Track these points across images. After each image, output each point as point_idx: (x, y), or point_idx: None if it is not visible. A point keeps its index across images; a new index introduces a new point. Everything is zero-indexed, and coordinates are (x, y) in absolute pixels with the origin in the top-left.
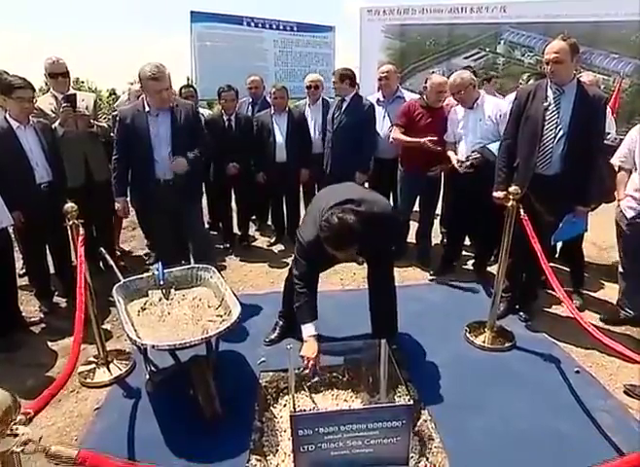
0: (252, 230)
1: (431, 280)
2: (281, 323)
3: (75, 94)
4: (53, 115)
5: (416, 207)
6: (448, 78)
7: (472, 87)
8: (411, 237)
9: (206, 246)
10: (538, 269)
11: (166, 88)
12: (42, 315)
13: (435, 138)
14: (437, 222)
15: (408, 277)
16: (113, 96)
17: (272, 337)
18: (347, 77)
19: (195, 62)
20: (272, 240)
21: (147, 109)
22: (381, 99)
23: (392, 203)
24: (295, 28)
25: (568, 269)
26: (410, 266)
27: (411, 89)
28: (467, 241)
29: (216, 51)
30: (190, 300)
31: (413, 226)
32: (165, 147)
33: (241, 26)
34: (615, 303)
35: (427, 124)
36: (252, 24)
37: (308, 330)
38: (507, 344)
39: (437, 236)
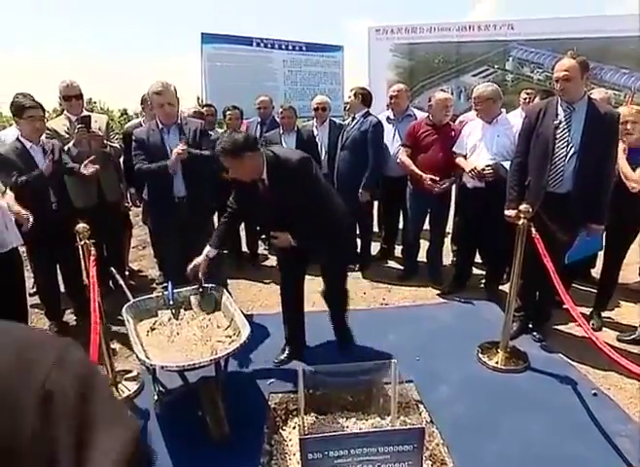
0: (261, 248)
1: (442, 299)
2: (289, 346)
3: (89, 116)
4: (67, 136)
5: (427, 226)
6: (473, 91)
7: (494, 101)
8: (422, 256)
9: (217, 265)
10: (551, 287)
11: (169, 102)
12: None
13: (436, 178)
14: (448, 240)
15: (420, 296)
16: (124, 116)
17: (282, 357)
18: (363, 95)
19: (206, 82)
20: None
21: (160, 126)
22: (391, 117)
23: (402, 221)
24: (304, 48)
25: (584, 288)
26: (422, 285)
27: (420, 107)
28: (479, 259)
29: (226, 71)
30: (199, 320)
31: (424, 244)
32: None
33: (250, 47)
34: (633, 323)
35: (433, 141)
36: (261, 45)
37: (208, 250)
38: (521, 365)
39: (448, 255)
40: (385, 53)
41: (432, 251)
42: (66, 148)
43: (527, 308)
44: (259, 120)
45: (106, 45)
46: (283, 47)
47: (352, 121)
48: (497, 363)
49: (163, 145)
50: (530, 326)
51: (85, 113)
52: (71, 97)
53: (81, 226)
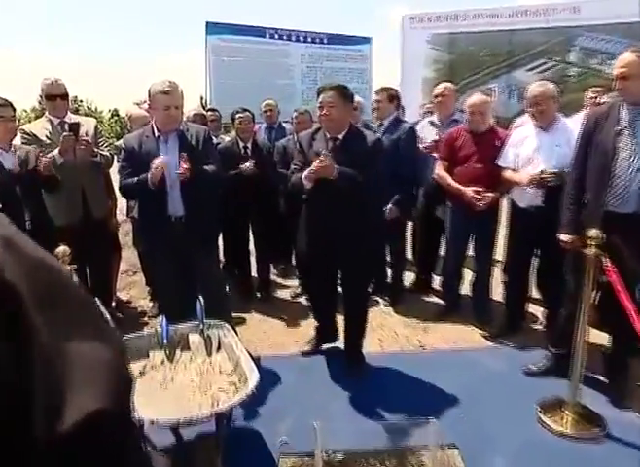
0: (273, 275)
1: (490, 342)
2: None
3: (79, 123)
4: (48, 141)
5: (470, 252)
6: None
7: (553, 101)
8: (466, 289)
9: (221, 298)
10: (631, 332)
11: (176, 106)
12: None
13: (480, 189)
14: (497, 270)
15: (463, 339)
16: (116, 118)
17: (308, 348)
18: (396, 98)
19: (210, 80)
20: (298, 290)
21: (156, 133)
22: (436, 122)
23: (445, 247)
24: (325, 40)
25: None
26: (466, 324)
27: (462, 110)
28: (536, 294)
29: (234, 67)
30: (198, 363)
31: (468, 274)
32: (175, 177)
33: (263, 39)
34: None
35: (472, 152)
36: (276, 36)
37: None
38: (594, 431)
39: (497, 288)
40: (421, 45)
41: (477, 283)
42: (48, 156)
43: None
44: (265, 125)
45: (93, 38)
46: (301, 39)
47: (379, 127)
48: (563, 427)
49: (157, 156)
50: (606, 381)
51: (73, 118)
52: (55, 97)
53: (61, 249)
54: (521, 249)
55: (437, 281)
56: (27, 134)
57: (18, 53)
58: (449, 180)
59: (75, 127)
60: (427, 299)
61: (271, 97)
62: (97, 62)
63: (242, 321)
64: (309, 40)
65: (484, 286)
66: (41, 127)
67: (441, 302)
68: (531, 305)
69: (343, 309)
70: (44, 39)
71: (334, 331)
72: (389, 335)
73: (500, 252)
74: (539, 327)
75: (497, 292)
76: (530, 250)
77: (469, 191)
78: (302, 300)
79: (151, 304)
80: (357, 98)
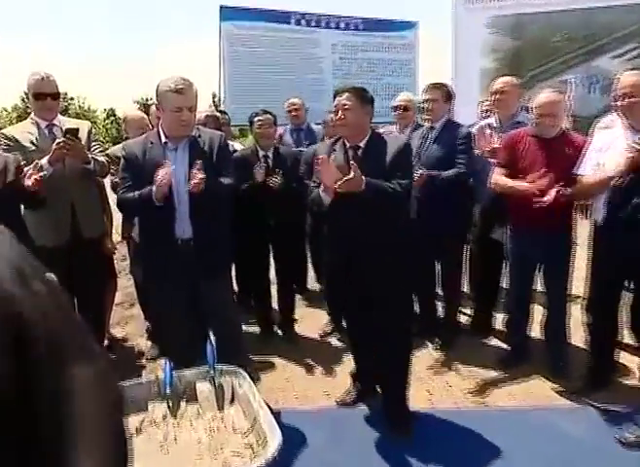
0: (298, 307)
1: (570, 401)
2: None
3: (77, 129)
4: (33, 148)
5: (539, 286)
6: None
7: None
8: (536, 331)
9: (235, 337)
10: None
11: (189, 107)
12: None
13: (546, 176)
14: (577, 307)
15: (533, 395)
16: (112, 119)
17: (347, 399)
18: (447, 94)
19: (224, 74)
20: (328, 329)
21: (163, 140)
22: (495, 125)
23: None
24: (361, 26)
25: None
26: (536, 375)
27: (527, 110)
28: (629, 339)
29: (252, 58)
30: (207, 419)
31: (539, 312)
32: (183, 193)
33: (287, 25)
34: None
35: (539, 160)
36: (302, 22)
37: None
38: None
39: (578, 330)
40: (479, 30)
41: (551, 324)
42: (36, 165)
43: None
44: (291, 127)
45: (82, 26)
46: (333, 25)
47: (429, 132)
48: None
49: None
50: None
51: (62, 121)
52: (45, 96)
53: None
54: (608, 281)
55: (499, 320)
56: (8, 139)
57: None
58: (510, 182)
59: (74, 132)
60: (487, 342)
61: (297, 95)
62: (88, 53)
63: (261, 366)
64: (342, 26)
65: (560, 328)
66: (25, 131)
67: (505, 346)
68: (622, 352)
69: (379, 350)
70: (20, 21)
71: (376, 380)
72: (440, 387)
73: (579, 284)
74: (634, 382)
75: (577, 335)
76: (620, 282)
77: (532, 185)
78: (334, 340)
79: (150, 343)
80: (407, 95)
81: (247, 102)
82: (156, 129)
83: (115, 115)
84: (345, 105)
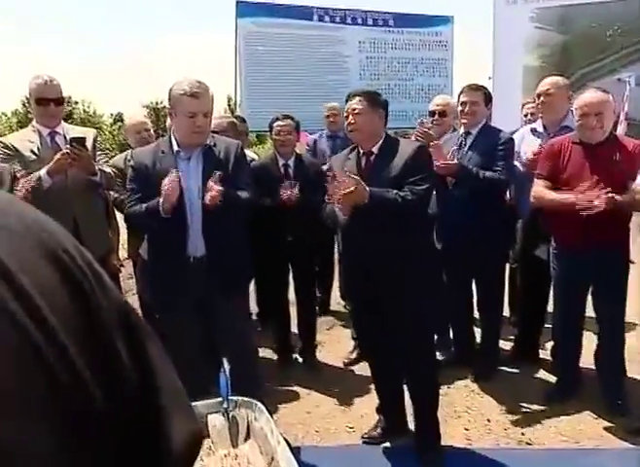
0: (319, 330)
1: (629, 443)
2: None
3: (85, 138)
4: (33, 157)
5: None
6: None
7: None
8: (589, 362)
9: (250, 366)
10: None
11: (205, 113)
12: None
13: (597, 186)
14: (634, 335)
15: (585, 434)
16: (118, 124)
17: (374, 433)
18: (491, 99)
19: (241, 75)
20: (353, 355)
21: (175, 148)
22: (540, 130)
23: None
24: (391, 21)
25: None
26: (589, 412)
27: None
28: None
29: (271, 58)
30: (220, 456)
31: (589, 340)
32: (197, 207)
33: (310, 22)
34: None
35: (580, 171)
36: (326, 19)
37: None
38: None
39: (634, 360)
40: (523, 24)
41: (604, 354)
42: (32, 177)
43: None
44: (327, 133)
45: (81, 23)
46: (360, 20)
47: (465, 137)
48: None
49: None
50: None
51: (66, 128)
52: (48, 101)
53: None
54: None
55: (546, 348)
56: (7, 148)
57: None
58: (552, 195)
59: (81, 143)
60: (532, 373)
61: (324, 97)
62: (88, 53)
63: (279, 397)
64: (370, 22)
65: (615, 358)
66: (25, 140)
67: (552, 378)
68: None
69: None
70: (23, 19)
71: (404, 416)
72: (479, 422)
73: (638, 311)
74: None
75: (634, 367)
76: None
77: (582, 196)
78: (355, 368)
79: None
80: (445, 99)
81: (266, 106)
82: (167, 137)
83: (122, 120)
84: (355, 109)
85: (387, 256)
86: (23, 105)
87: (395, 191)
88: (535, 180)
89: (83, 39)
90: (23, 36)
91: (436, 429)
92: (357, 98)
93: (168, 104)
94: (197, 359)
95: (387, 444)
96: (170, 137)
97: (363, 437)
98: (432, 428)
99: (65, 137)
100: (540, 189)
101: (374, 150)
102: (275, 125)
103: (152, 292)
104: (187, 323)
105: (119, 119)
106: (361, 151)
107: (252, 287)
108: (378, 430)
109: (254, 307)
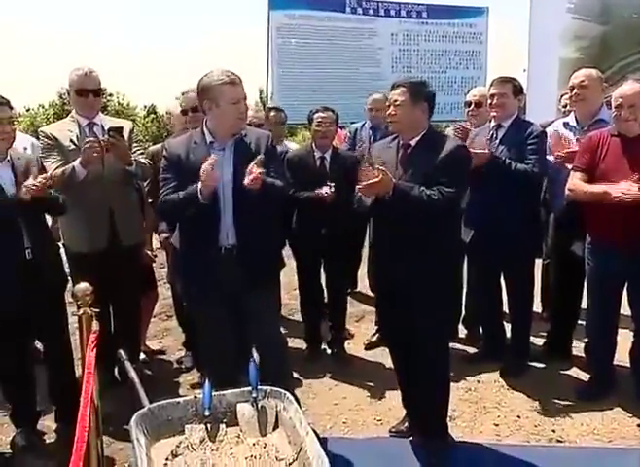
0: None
1: None
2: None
3: (122, 128)
4: (72, 147)
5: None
6: None
7: None
8: (623, 359)
9: (279, 356)
10: None
11: (245, 99)
12: (15, 450)
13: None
14: None
15: (619, 433)
16: (152, 116)
17: (402, 428)
18: (521, 92)
19: (273, 68)
20: (373, 339)
21: (209, 139)
22: (573, 124)
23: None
24: (425, 13)
25: None
26: (622, 410)
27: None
28: None
29: (303, 51)
30: (248, 445)
31: (625, 336)
32: (229, 196)
33: (343, 14)
34: None
35: (618, 165)
36: (359, 11)
37: None
38: None
39: None
40: (560, 15)
41: (639, 350)
42: (68, 167)
43: None
44: (369, 124)
45: (119, 16)
46: (393, 12)
47: (496, 130)
48: None
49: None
50: None
51: (104, 119)
52: (87, 92)
53: (81, 287)
54: None
55: (578, 345)
56: (47, 138)
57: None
58: (587, 187)
59: (118, 132)
60: (564, 370)
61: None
62: (113, 45)
63: (307, 388)
64: (404, 14)
65: None
66: (65, 129)
67: (584, 375)
68: None
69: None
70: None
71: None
72: (509, 419)
73: None
74: None
75: None
76: None
77: (617, 188)
78: (387, 360)
79: (184, 354)
80: (482, 90)
81: (297, 98)
82: (199, 128)
83: (155, 112)
84: (397, 101)
85: (407, 251)
86: (60, 97)
87: (422, 188)
88: (572, 172)
89: (115, 31)
90: (57, 29)
91: (443, 417)
92: (400, 89)
93: (202, 98)
94: (227, 349)
95: (415, 436)
96: (203, 129)
97: (390, 431)
98: (435, 409)
99: (103, 128)
100: (576, 181)
101: (413, 143)
102: (316, 116)
103: (183, 282)
104: (217, 313)
105: (152, 111)
106: (400, 142)
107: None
108: (406, 424)
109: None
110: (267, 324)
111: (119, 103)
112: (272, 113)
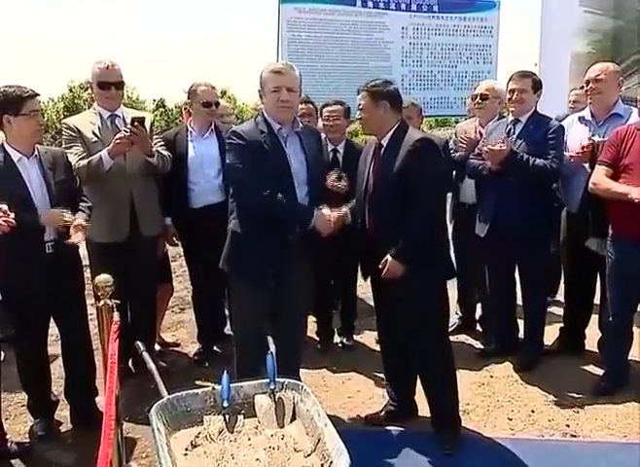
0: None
1: None
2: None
3: (144, 118)
4: (95, 140)
5: None
6: None
7: None
8: (636, 355)
9: (297, 349)
10: None
11: (290, 88)
12: (32, 440)
13: None
14: None
15: (632, 427)
16: (161, 110)
17: (381, 414)
18: (540, 86)
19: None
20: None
21: (277, 126)
22: (588, 118)
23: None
24: (435, 7)
25: None
26: (635, 404)
27: (631, 100)
28: None
29: (313, 45)
30: (266, 437)
31: (638, 334)
32: (303, 183)
33: (353, 8)
34: None
35: None
36: (369, 4)
37: None
38: None
39: None
40: (572, 9)
41: None
42: (95, 158)
43: None
44: None
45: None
46: (403, 6)
47: (514, 125)
48: None
49: (285, 157)
50: None
51: (126, 111)
52: (109, 85)
53: (102, 278)
54: None
55: (591, 339)
56: (70, 129)
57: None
58: (612, 185)
59: (141, 122)
60: (579, 365)
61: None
62: (132, 40)
63: (319, 379)
64: (414, 7)
65: None
66: (87, 121)
67: (598, 370)
68: None
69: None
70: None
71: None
72: (523, 413)
73: None
74: None
75: None
76: None
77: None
78: None
79: (196, 346)
80: (491, 83)
81: (307, 92)
82: (261, 117)
83: (164, 106)
84: (360, 105)
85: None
86: (70, 90)
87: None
88: (597, 166)
89: (125, 26)
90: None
91: (453, 407)
92: (361, 94)
93: (261, 92)
94: (260, 332)
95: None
96: (264, 116)
97: (365, 417)
98: (447, 406)
99: (124, 120)
100: (599, 175)
101: (384, 142)
102: (325, 110)
103: (237, 268)
104: (259, 302)
105: (161, 104)
106: (377, 142)
107: None
108: (383, 413)
109: None
110: (297, 316)
111: (128, 97)
112: (302, 106)
